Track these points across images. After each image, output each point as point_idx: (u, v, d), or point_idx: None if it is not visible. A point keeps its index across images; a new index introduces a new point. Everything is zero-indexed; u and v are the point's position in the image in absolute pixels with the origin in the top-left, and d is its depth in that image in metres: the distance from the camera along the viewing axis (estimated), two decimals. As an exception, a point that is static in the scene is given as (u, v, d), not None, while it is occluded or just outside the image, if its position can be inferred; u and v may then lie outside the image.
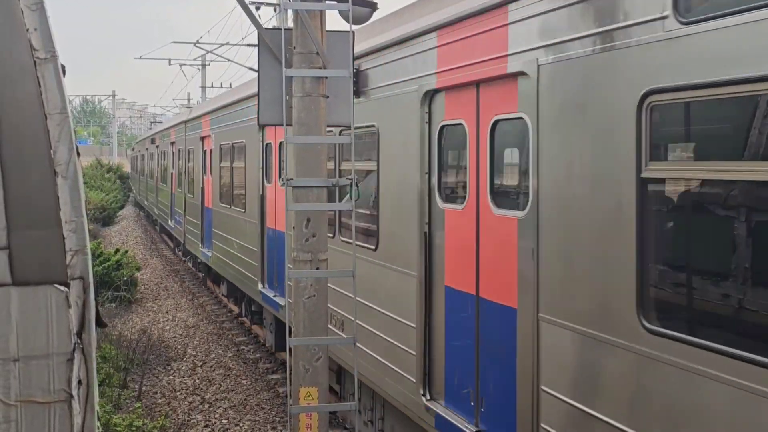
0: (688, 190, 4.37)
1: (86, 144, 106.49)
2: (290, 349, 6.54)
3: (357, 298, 6.79)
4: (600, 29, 4.81)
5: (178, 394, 12.91)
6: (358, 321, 7.05)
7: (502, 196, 6.20)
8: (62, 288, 3.52)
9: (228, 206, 16.40)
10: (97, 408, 3.64)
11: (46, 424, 3.52)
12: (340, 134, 8.95)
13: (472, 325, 6.54)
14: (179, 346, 16.01)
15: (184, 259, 27.05)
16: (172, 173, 27.64)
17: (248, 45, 37.37)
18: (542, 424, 5.45)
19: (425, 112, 7.13)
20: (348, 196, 8.47)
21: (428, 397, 7.16)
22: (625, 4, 4.60)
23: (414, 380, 7.32)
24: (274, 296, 12.40)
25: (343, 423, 10.74)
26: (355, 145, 6.59)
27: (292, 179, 6.53)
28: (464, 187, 6.66)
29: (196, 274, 24.20)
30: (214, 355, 15.21)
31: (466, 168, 6.60)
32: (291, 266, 6.63)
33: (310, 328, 6.52)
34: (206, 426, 11.29)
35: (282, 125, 6.59)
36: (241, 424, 11.30)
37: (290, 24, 6.71)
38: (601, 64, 4.79)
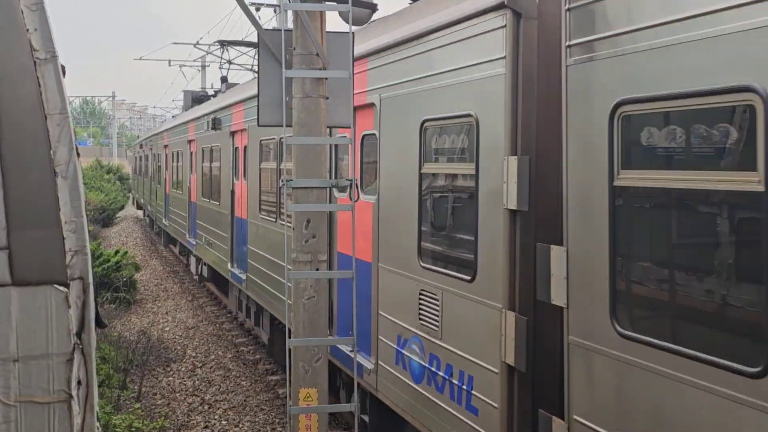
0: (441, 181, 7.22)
1: (86, 145, 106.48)
2: (290, 350, 6.54)
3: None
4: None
5: (177, 395, 12.91)
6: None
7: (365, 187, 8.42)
8: (62, 288, 3.52)
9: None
10: (96, 408, 3.64)
11: (46, 424, 3.52)
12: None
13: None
14: (179, 347, 16.00)
15: (167, 248, 28.80)
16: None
17: (248, 46, 37.26)
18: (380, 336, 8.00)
19: None
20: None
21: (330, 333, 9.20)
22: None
23: None
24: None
25: (343, 423, 10.74)
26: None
27: (291, 180, 6.52)
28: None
29: (193, 275, 24.22)
30: (213, 356, 15.20)
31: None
32: (290, 267, 6.63)
33: (310, 328, 6.51)
34: (206, 427, 11.28)
35: (282, 126, 6.59)
36: (240, 425, 11.29)
37: (290, 25, 6.71)
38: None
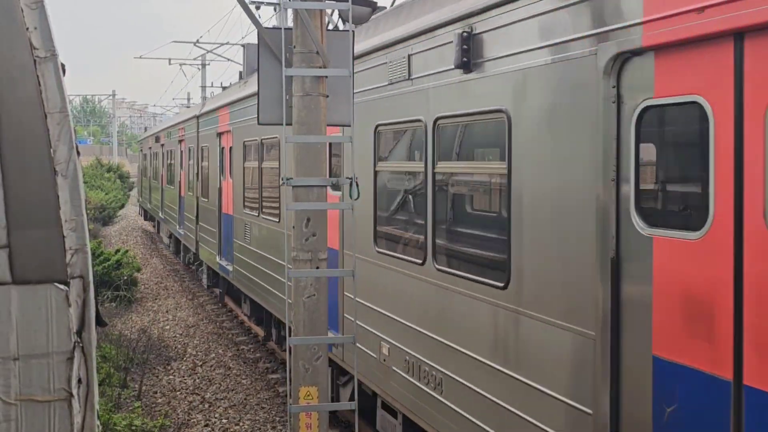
0: None
1: (86, 143, 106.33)
2: (290, 349, 6.54)
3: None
4: None
5: (178, 393, 12.91)
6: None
7: None
8: (62, 287, 3.53)
9: (262, 216, 15.09)
10: (97, 407, 3.65)
11: (46, 422, 3.52)
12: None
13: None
14: (179, 346, 16.01)
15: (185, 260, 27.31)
16: (179, 173, 35.47)
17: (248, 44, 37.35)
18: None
19: (611, 87, 4.77)
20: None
21: None
22: None
23: None
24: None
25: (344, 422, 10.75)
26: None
27: (291, 179, 6.52)
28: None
29: (196, 275, 24.19)
30: (214, 355, 15.20)
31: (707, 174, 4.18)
32: (290, 266, 6.63)
33: (310, 327, 6.52)
34: (206, 425, 11.29)
35: (282, 124, 6.59)
36: (241, 424, 11.30)
37: (290, 23, 6.71)
38: None
